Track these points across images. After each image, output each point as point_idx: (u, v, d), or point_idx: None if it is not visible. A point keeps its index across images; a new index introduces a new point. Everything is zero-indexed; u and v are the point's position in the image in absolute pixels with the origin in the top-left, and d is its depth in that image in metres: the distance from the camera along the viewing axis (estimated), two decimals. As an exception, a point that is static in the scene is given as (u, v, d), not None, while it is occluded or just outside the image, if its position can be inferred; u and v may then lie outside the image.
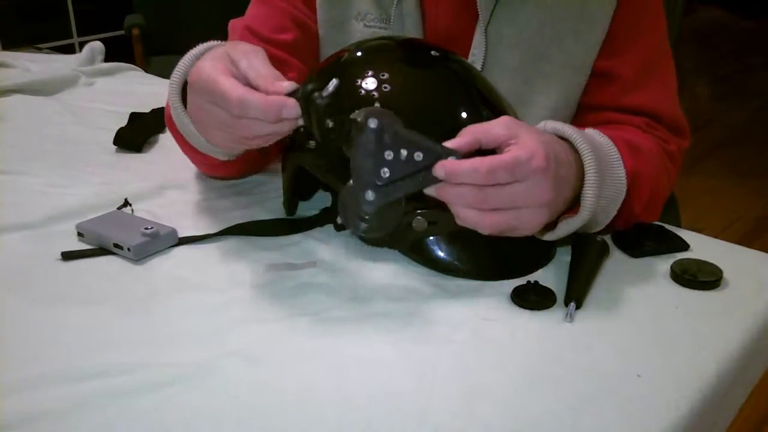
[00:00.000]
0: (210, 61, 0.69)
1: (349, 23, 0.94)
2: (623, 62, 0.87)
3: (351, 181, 0.63)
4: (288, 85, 0.66)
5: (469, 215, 0.65)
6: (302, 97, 0.65)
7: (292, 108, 0.65)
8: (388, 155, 0.63)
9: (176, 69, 0.79)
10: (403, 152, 0.63)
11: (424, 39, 0.91)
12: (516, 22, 0.88)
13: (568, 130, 0.72)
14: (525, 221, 0.66)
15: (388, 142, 0.62)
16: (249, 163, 0.92)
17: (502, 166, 0.63)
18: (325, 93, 0.64)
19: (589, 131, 0.77)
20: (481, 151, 0.65)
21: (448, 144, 0.64)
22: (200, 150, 0.80)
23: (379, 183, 0.63)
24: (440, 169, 0.63)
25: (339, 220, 0.80)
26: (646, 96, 0.88)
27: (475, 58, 0.89)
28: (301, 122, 0.66)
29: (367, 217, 0.64)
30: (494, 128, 0.66)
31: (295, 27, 0.95)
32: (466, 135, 0.65)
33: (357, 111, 0.63)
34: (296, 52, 0.95)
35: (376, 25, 0.93)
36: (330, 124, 0.64)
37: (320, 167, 0.76)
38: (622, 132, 0.84)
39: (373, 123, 0.62)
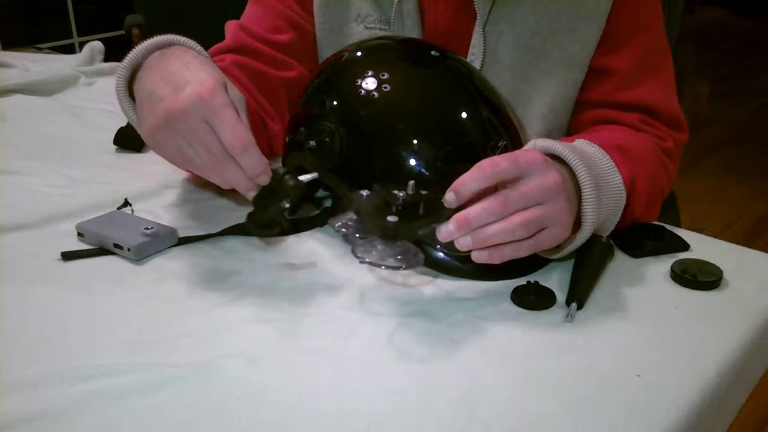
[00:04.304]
0: (210, 70, 0.68)
1: (349, 26, 0.94)
2: (620, 58, 0.88)
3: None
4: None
5: (497, 227, 0.62)
6: (275, 175, 0.70)
7: (267, 179, 0.68)
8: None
9: (131, 55, 0.75)
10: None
11: (423, 39, 0.91)
12: (513, 21, 0.88)
13: (559, 148, 0.71)
14: (551, 212, 0.64)
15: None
16: None
17: (503, 158, 0.63)
18: (300, 178, 0.71)
19: (579, 143, 0.76)
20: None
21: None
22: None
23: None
24: (449, 193, 0.62)
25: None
26: (642, 91, 0.88)
27: (474, 57, 0.89)
28: (251, 195, 0.70)
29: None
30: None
31: (291, 28, 0.95)
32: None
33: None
34: (293, 53, 0.95)
35: (377, 26, 0.93)
36: (286, 205, 0.70)
37: (320, 167, 0.76)
38: (613, 134, 0.84)
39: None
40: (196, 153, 0.67)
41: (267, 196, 0.70)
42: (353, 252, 0.65)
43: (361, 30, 0.94)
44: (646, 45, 0.89)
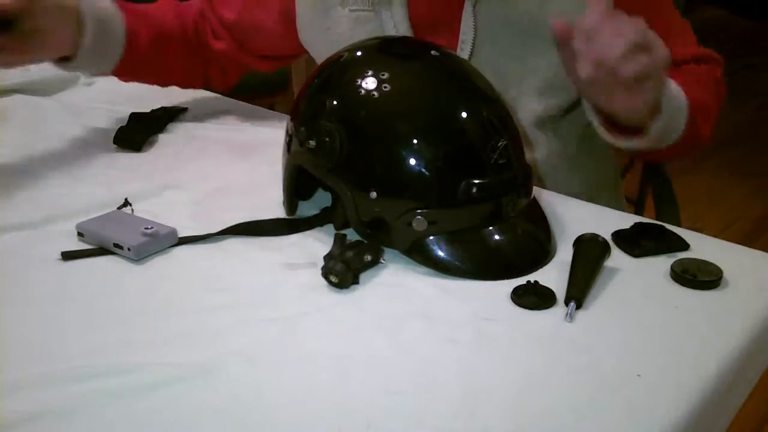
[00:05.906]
0: None
1: (334, 9, 0.95)
2: None
3: None
4: None
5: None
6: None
7: None
8: None
9: None
10: None
11: (423, 39, 0.91)
12: (505, 1, 0.87)
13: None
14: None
15: None
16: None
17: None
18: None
19: None
20: None
21: None
22: None
23: None
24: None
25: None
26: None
27: (465, 37, 0.88)
28: None
29: None
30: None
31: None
32: None
33: None
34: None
35: (360, 8, 0.93)
36: (368, 258, 0.73)
37: (320, 167, 0.76)
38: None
39: None
40: None
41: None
42: None
43: (346, 13, 0.94)
44: (653, 17, 0.87)
